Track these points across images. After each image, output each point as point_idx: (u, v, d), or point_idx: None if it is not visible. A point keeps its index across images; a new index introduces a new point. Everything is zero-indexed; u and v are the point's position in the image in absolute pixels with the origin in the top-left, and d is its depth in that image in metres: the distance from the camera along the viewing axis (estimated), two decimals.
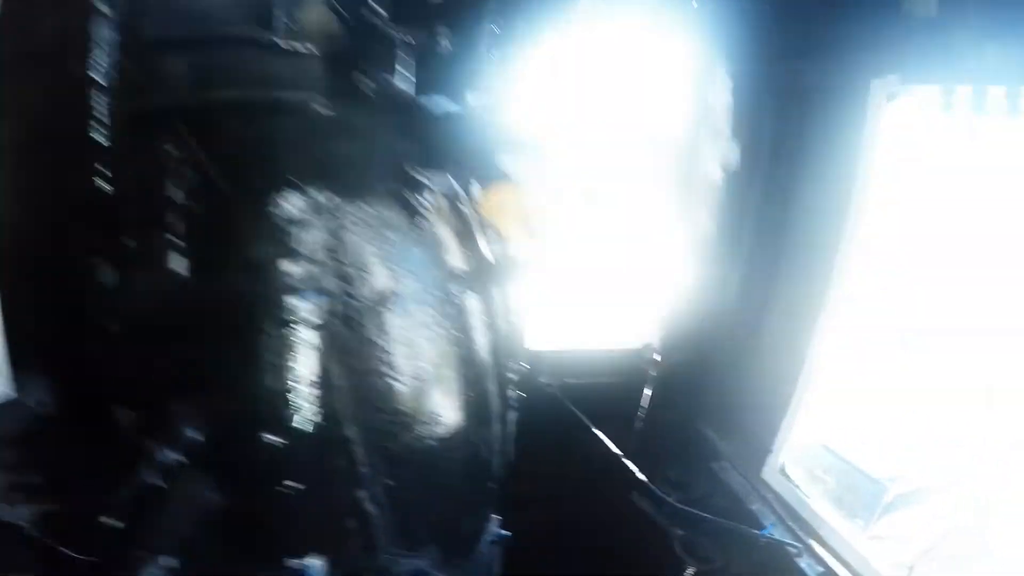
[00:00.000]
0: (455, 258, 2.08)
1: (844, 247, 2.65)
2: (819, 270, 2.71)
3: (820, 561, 2.58)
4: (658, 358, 3.14)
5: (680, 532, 2.94)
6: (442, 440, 2.04)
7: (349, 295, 1.84)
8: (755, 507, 2.79)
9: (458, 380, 2.08)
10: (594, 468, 3.06)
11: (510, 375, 2.74)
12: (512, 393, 2.80)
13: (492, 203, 1.95)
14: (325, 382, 1.85)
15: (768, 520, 2.72)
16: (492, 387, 2.34)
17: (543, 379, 3.12)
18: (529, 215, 1.98)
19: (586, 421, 3.05)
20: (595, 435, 3.03)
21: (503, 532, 2.49)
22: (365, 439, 1.92)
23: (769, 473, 2.84)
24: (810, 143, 2.78)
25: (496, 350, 2.49)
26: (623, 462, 2.99)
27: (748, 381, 2.99)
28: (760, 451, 2.84)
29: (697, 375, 3.16)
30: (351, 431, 1.91)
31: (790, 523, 2.71)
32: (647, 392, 3.14)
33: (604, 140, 3.46)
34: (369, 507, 1.96)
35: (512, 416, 2.88)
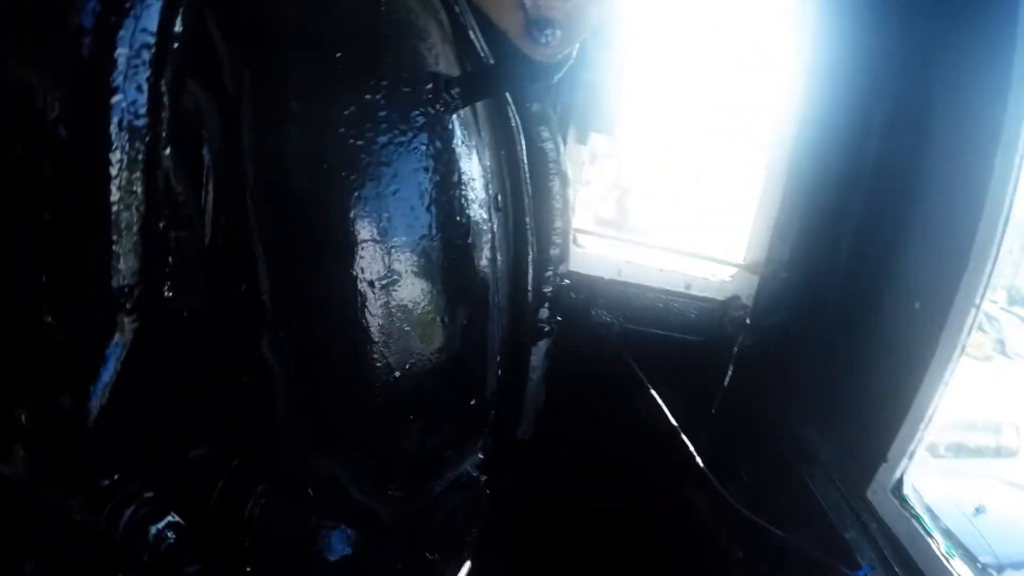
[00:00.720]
0: (434, 56, 1.50)
1: (1000, 186, 1.73)
2: (964, 223, 1.80)
3: None
4: (748, 319, 2.32)
5: (741, 554, 2.10)
6: (383, 295, 1.46)
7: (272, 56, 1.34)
8: (851, 535, 1.90)
9: (417, 227, 1.49)
10: (643, 442, 2.31)
11: (538, 283, 2.12)
12: (541, 308, 2.17)
13: None
14: (230, 159, 1.36)
15: (866, 559, 1.83)
16: (485, 261, 1.72)
17: (600, 314, 2.42)
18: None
19: (643, 379, 2.31)
20: (653, 400, 2.28)
21: (478, 476, 1.85)
22: (273, 262, 1.40)
23: (877, 492, 1.92)
24: (948, 48, 1.91)
25: (504, 222, 1.89)
26: (683, 442, 2.21)
27: (863, 364, 2.10)
28: (870, 461, 1.94)
29: (797, 347, 2.31)
30: (257, 247, 1.39)
31: (897, 568, 1.79)
32: (730, 363, 2.34)
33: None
34: (270, 357, 1.42)
35: (542, 343, 2.24)
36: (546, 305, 2.20)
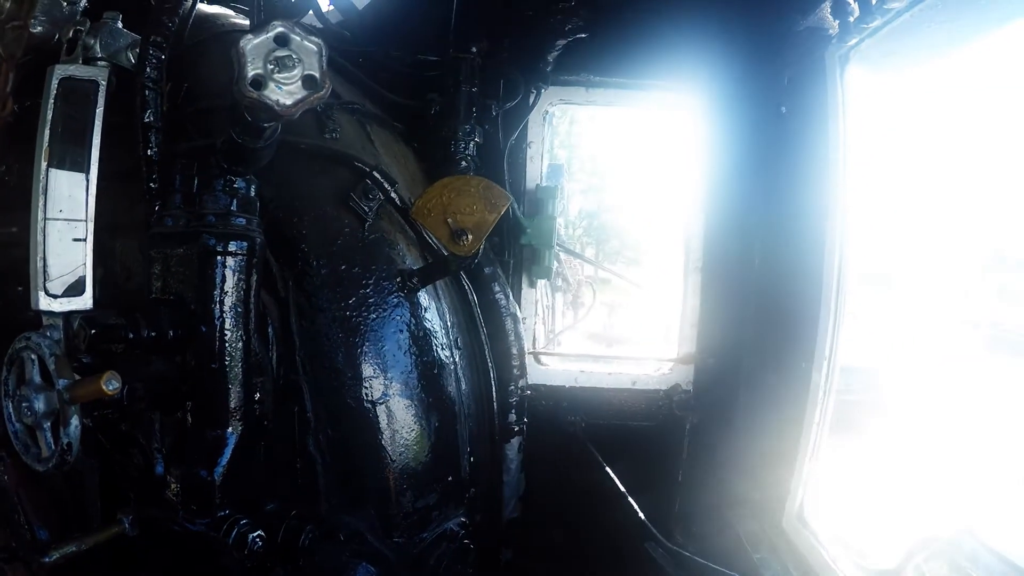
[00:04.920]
0: (401, 257, 2.51)
1: (830, 258, 2.50)
2: (806, 293, 2.56)
3: None
4: (691, 400, 3.03)
5: None
6: (381, 409, 2.37)
7: (304, 271, 2.36)
8: (760, 556, 2.51)
9: (400, 366, 2.43)
10: (611, 515, 3.00)
11: (503, 395, 2.96)
12: (509, 414, 3.00)
13: (427, 206, 2.36)
14: (284, 333, 2.34)
15: (769, 571, 2.43)
16: (451, 383, 2.61)
17: (567, 415, 3.21)
18: (463, 218, 2.34)
19: (601, 460, 3.05)
20: (612, 480, 3.00)
21: (460, 531, 2.61)
22: (313, 392, 2.34)
23: (787, 520, 2.55)
24: (784, 154, 2.71)
25: (466, 355, 2.78)
26: (635, 508, 2.91)
27: (764, 422, 2.77)
28: (779, 496, 2.59)
29: (732, 417, 2.96)
30: (303, 383, 2.34)
31: (795, 574, 2.40)
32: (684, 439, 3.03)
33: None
34: (313, 451, 2.33)
35: (513, 440, 3.04)
36: (512, 411, 3.04)
